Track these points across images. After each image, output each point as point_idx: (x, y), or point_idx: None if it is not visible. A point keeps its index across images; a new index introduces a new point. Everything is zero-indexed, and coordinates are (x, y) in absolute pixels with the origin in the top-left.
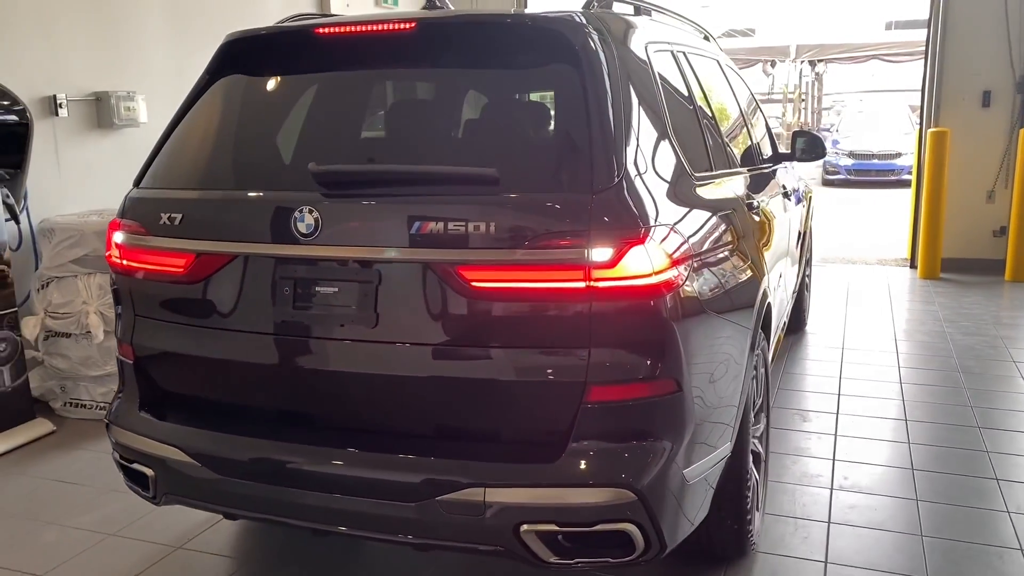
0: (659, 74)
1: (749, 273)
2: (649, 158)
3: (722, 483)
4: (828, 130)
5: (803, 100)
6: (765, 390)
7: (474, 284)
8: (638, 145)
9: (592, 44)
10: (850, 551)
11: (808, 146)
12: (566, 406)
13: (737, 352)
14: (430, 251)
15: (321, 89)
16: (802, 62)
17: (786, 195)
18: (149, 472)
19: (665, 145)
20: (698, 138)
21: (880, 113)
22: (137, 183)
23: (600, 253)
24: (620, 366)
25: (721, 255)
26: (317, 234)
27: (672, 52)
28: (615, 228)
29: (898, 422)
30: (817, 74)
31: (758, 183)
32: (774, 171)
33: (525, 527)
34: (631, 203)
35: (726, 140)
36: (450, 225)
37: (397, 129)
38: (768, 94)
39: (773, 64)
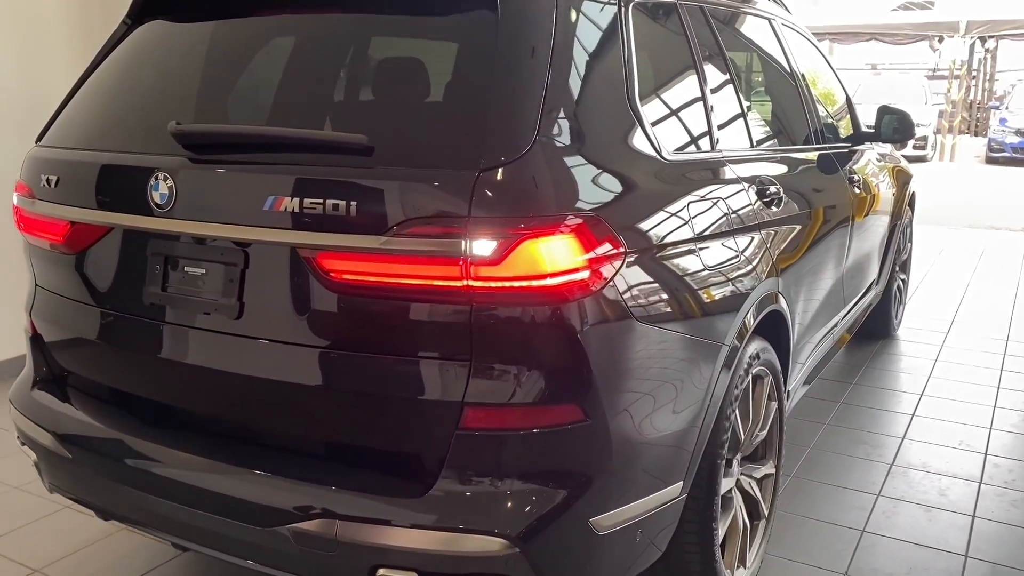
0: (637, 30)
1: (740, 274)
2: (581, 130)
3: (680, 532)
4: (996, 107)
5: (973, 77)
6: (777, 418)
7: (333, 275)
8: (568, 115)
9: None
10: None
11: (900, 124)
12: (438, 431)
13: (695, 374)
14: (288, 233)
15: (214, 39)
16: (972, 38)
17: (853, 181)
18: (33, 457)
19: (617, 116)
20: (693, 111)
21: None
22: (38, 139)
23: (482, 246)
24: (506, 387)
25: (687, 251)
26: (172, 205)
27: (676, 5)
28: (503, 215)
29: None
30: (988, 50)
31: (801, 166)
32: (844, 153)
33: (383, 572)
34: (531, 184)
35: (756, 115)
36: (307, 202)
37: (281, 85)
38: (934, 70)
39: (940, 40)
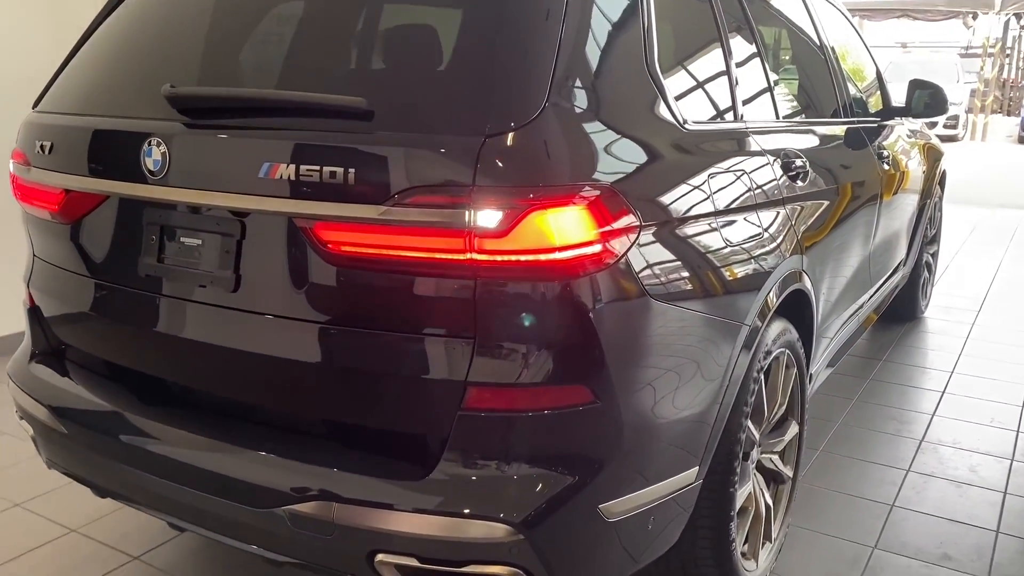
0: None
1: (763, 251)
2: (595, 96)
3: (695, 520)
4: None
5: (1007, 55)
6: (799, 396)
7: (331, 246)
8: (581, 79)
9: None
10: None
11: (932, 99)
12: (440, 411)
13: (712, 354)
14: (284, 201)
15: (211, 2)
16: (1007, 15)
17: (882, 157)
18: (30, 431)
19: (634, 82)
20: (716, 79)
21: None
22: (35, 104)
23: (487, 217)
24: (511, 366)
25: (706, 226)
26: (166, 172)
27: None
28: (510, 184)
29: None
30: (1023, 27)
31: (828, 140)
32: (873, 128)
33: (381, 557)
34: (540, 151)
35: (782, 86)
36: (303, 170)
37: (279, 48)
38: (968, 48)
39: (975, 16)
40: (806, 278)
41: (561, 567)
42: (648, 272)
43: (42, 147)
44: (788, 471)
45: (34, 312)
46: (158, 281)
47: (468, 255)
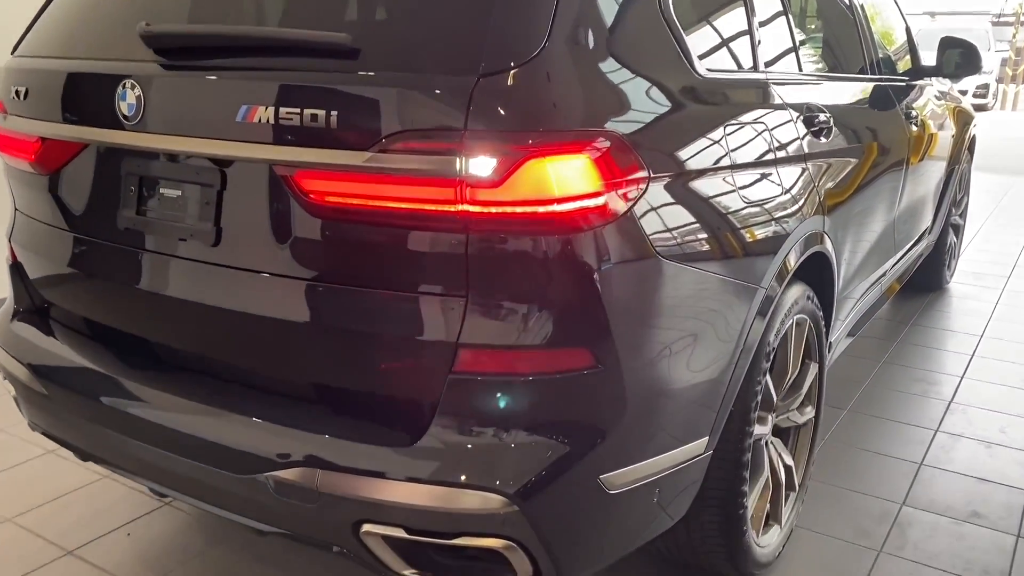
0: None
1: (783, 211)
2: (601, 36)
3: (703, 493)
4: None
5: None
6: (818, 370)
7: (313, 196)
8: (586, 17)
9: None
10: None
11: (963, 60)
12: (430, 374)
13: (725, 319)
14: (263, 148)
15: None
16: None
17: (910, 118)
18: (12, 392)
19: (645, 23)
20: (735, 24)
21: None
22: (14, 50)
23: (480, 164)
24: (506, 327)
25: (721, 180)
26: (141, 117)
27: None
28: (505, 129)
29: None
30: None
31: (855, 96)
32: (901, 87)
33: (367, 528)
34: (539, 93)
35: (806, 37)
36: (283, 113)
37: None
38: (1000, 15)
39: None
40: (828, 241)
41: (558, 541)
42: (657, 228)
43: (17, 93)
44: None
45: (16, 268)
46: (138, 235)
47: (459, 206)
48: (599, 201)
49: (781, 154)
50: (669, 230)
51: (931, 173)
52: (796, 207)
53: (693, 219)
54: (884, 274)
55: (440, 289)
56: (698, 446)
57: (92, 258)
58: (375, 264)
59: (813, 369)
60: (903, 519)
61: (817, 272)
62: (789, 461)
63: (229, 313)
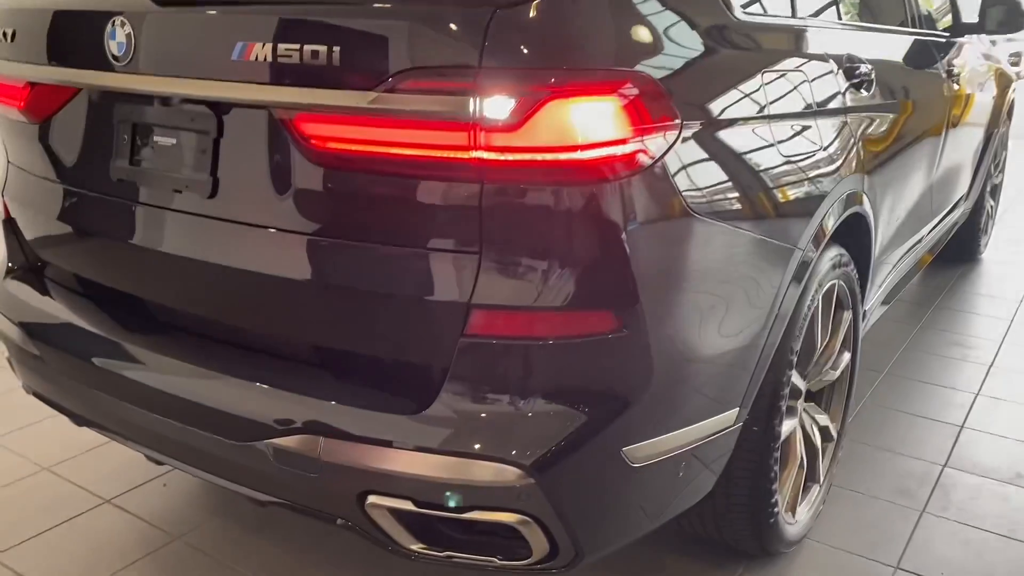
0: None
1: (822, 167)
2: None
3: (731, 468)
4: None
5: None
6: (853, 341)
7: (315, 142)
8: None
9: None
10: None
11: (1007, 15)
12: (440, 337)
13: (759, 282)
14: (261, 89)
15: None
16: None
17: (951, 76)
18: (6, 354)
19: None
20: None
21: None
22: None
23: (496, 105)
24: (522, 286)
25: (757, 132)
26: (132, 57)
27: None
28: (524, 66)
29: None
30: None
31: (895, 49)
32: (942, 43)
33: (373, 499)
34: (562, 27)
35: None
36: (281, 50)
37: None
38: None
39: None
40: (867, 201)
41: (577, 517)
42: (688, 181)
43: (3, 34)
44: (834, 426)
45: (9, 224)
46: (132, 187)
47: (473, 152)
48: (627, 149)
49: (821, 106)
50: (702, 184)
51: (970, 135)
52: (836, 164)
53: (728, 173)
54: (920, 240)
55: (451, 244)
56: (728, 417)
57: (86, 212)
58: (381, 217)
59: (847, 325)
60: (946, 480)
61: (854, 235)
62: (824, 421)
63: (227, 270)
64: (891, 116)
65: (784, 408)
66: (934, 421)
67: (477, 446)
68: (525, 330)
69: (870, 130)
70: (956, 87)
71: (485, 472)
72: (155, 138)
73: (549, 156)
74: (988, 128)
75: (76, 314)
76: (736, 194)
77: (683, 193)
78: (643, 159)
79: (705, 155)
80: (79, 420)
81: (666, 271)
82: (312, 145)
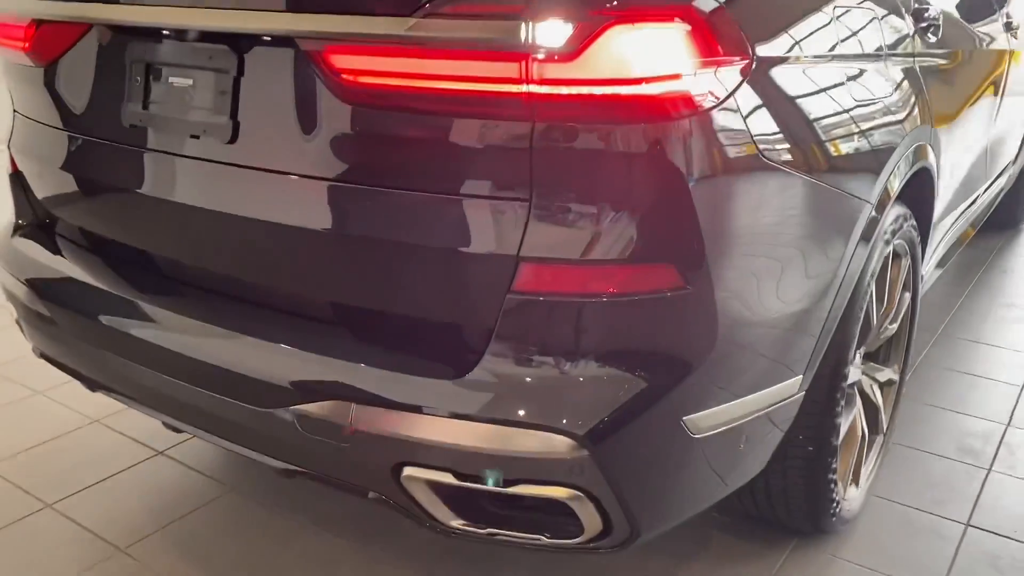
0: None
1: (892, 114)
2: None
3: (789, 436)
4: None
5: None
6: (910, 308)
7: (346, 78)
8: None
9: None
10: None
11: None
12: (485, 293)
13: (829, 238)
14: (285, 17)
15: None
16: None
17: (1010, 28)
18: (14, 314)
19: None
20: None
21: None
22: None
23: (550, 32)
24: (577, 236)
25: (831, 73)
26: None
27: None
28: None
29: None
30: None
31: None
32: None
33: (409, 472)
34: None
35: None
36: None
37: None
38: None
39: None
40: (931, 156)
41: (634, 492)
42: (759, 122)
43: None
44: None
45: (17, 178)
46: (146, 133)
47: (524, 86)
48: (695, 83)
49: (891, 49)
50: (773, 127)
51: (1023, 93)
52: (905, 113)
53: (800, 117)
54: (972, 203)
55: (498, 191)
56: (791, 385)
57: (97, 162)
58: (420, 160)
59: (906, 300)
60: (1010, 439)
61: (916, 192)
62: (887, 375)
63: (248, 222)
64: (955, 66)
65: (848, 377)
66: (993, 381)
67: (525, 414)
68: (579, 286)
69: (937, 78)
70: (1015, 40)
71: (533, 442)
72: (170, 79)
73: (609, 90)
74: None
75: (90, 272)
76: (809, 139)
77: (754, 136)
78: (712, 95)
79: (777, 95)
80: (92, 384)
81: (733, 222)
82: (343, 81)
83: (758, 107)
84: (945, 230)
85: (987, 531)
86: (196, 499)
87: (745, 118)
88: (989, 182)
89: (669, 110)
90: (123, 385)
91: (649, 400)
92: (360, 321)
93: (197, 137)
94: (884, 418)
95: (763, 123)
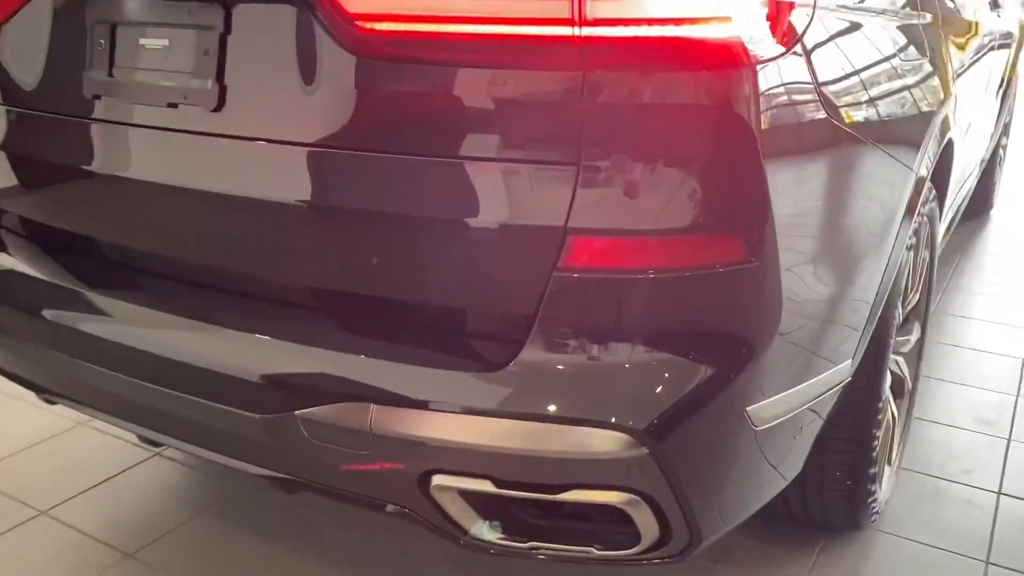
0: None
1: (931, 79)
2: None
3: (830, 424)
4: None
5: None
6: (927, 280)
7: (357, 24)
8: None
9: None
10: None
11: None
12: (526, 272)
13: (887, 207)
14: None
15: None
16: None
17: (996, 6)
18: None
19: None
20: None
21: None
22: None
23: None
24: (632, 204)
25: (888, 22)
26: None
27: None
28: None
29: None
30: None
31: None
32: None
33: (439, 480)
34: None
35: None
36: None
37: None
38: None
39: None
40: (953, 127)
41: (696, 493)
42: (828, 74)
43: None
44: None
45: None
46: (111, 104)
47: (573, 29)
48: (765, 26)
49: (923, 5)
50: (842, 80)
51: (998, 72)
52: (939, 80)
53: (865, 68)
54: (969, 178)
55: (541, 154)
56: (843, 371)
57: (53, 140)
58: (447, 120)
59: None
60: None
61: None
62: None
63: (240, 201)
64: (967, 36)
65: (890, 360)
66: (996, 355)
67: (575, 409)
68: (634, 260)
69: (955, 47)
70: (996, 17)
71: (584, 441)
72: (141, 40)
73: (669, 31)
74: (1004, 74)
75: (42, 267)
76: (870, 96)
77: (823, 89)
78: (783, 41)
79: (844, 43)
80: (49, 396)
81: (805, 189)
82: (353, 28)
83: (825, 55)
84: (953, 207)
85: (1019, 498)
86: (204, 499)
87: (814, 68)
88: (983, 158)
89: (737, 55)
90: (91, 395)
91: (713, 390)
92: (378, 311)
93: (175, 106)
94: (908, 386)
95: (830, 74)
